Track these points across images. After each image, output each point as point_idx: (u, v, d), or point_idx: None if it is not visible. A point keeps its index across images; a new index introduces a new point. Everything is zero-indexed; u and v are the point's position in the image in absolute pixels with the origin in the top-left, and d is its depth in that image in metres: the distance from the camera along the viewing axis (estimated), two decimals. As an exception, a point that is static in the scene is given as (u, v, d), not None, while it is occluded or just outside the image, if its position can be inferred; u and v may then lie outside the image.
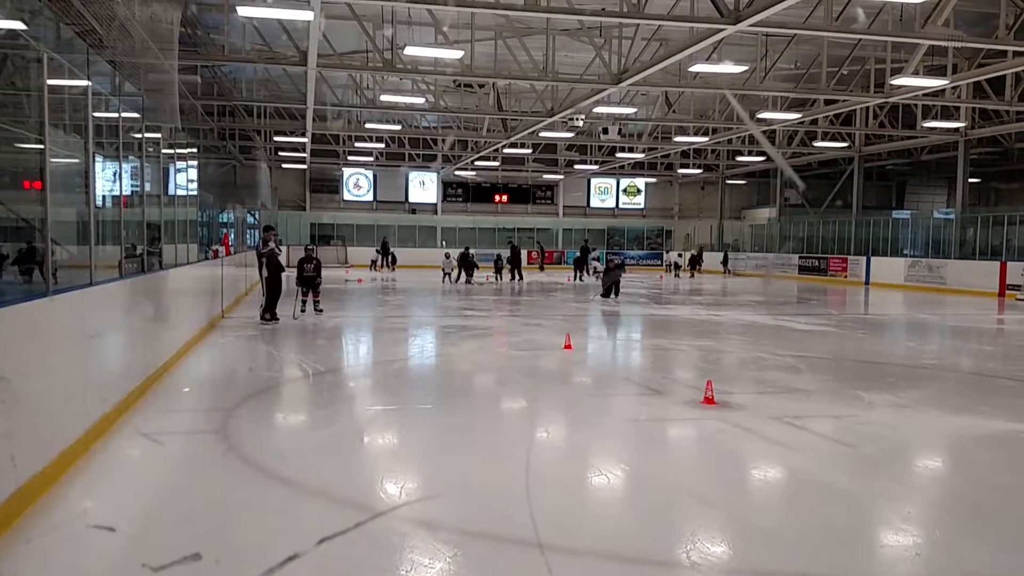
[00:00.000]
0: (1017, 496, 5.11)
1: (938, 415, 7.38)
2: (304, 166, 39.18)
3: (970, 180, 29.30)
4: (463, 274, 26.95)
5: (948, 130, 26.80)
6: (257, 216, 30.37)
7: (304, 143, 31.73)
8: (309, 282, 14.89)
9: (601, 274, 24.95)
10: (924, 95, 21.02)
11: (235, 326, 13.14)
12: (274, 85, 25.77)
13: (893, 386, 8.62)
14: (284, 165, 39.19)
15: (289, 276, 15.01)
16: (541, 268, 37.38)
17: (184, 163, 12.09)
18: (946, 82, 18.26)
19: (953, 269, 26.27)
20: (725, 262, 37.21)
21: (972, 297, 23.38)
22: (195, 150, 17.23)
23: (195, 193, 13.47)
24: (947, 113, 24.96)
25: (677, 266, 36.48)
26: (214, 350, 10.81)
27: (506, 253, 29.13)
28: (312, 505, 4.65)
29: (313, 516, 4.42)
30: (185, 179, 12.19)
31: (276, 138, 31.79)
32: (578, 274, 30.49)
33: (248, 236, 25.11)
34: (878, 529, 4.53)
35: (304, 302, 14.82)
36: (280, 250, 14.05)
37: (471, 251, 27.77)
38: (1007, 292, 23.49)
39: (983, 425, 6.91)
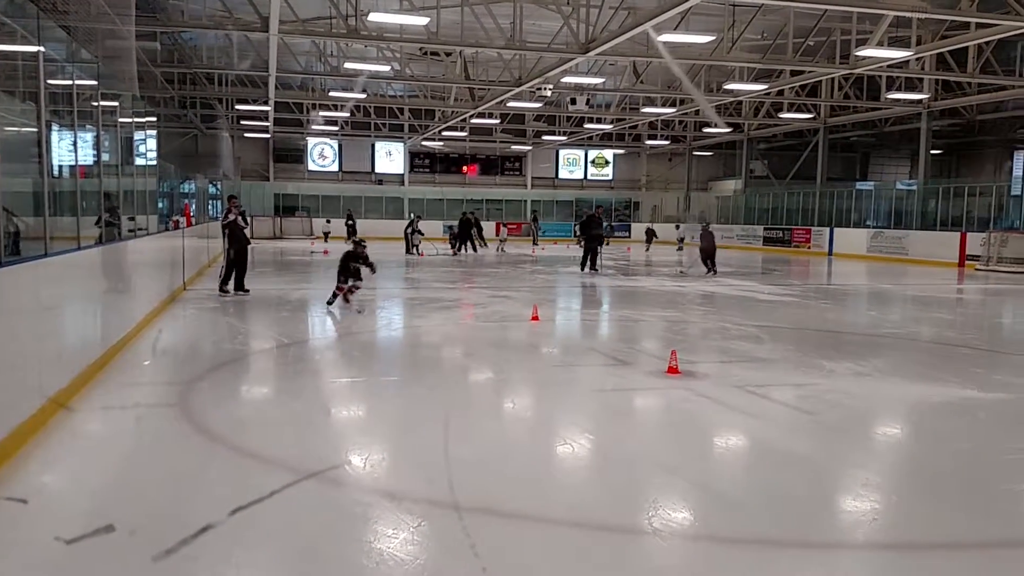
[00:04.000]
0: (972, 461, 5.22)
1: (897, 383, 7.51)
2: (267, 135, 38.57)
3: (932, 152, 29.74)
4: (466, 244, 27.23)
5: (911, 102, 27.08)
6: (219, 186, 29.88)
7: (267, 112, 31.20)
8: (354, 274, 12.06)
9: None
10: (888, 66, 21.17)
11: (197, 298, 12.95)
12: (236, 52, 25.22)
13: (854, 355, 8.76)
14: (247, 134, 38.51)
15: (254, 248, 14.66)
16: (535, 242, 36.78)
17: (143, 132, 11.83)
18: (910, 53, 18.39)
19: (915, 240, 26.70)
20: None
21: (933, 267, 23.80)
22: (154, 119, 16.86)
23: (155, 163, 13.20)
24: (911, 85, 25.21)
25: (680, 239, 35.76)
26: (176, 323, 10.65)
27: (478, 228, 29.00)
28: (266, 476, 4.61)
29: (257, 486, 4.38)
30: (144, 149, 11.93)
31: (238, 106, 31.18)
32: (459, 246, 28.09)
33: (210, 207, 24.71)
34: (837, 495, 4.60)
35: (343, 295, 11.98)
36: (245, 222, 13.67)
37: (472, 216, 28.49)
38: (967, 262, 23.94)
39: (941, 392, 7.05)
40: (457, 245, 28.01)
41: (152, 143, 13.26)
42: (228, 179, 35.47)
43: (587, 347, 9.68)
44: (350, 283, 11.84)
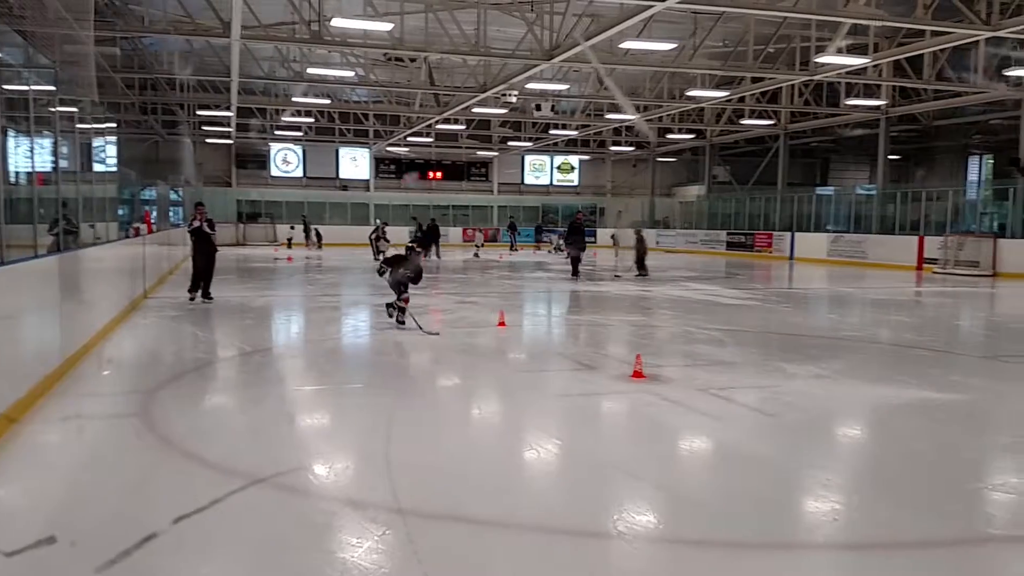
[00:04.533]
0: (930, 461, 5.32)
1: (857, 385, 7.64)
2: (230, 141, 38.18)
3: (890, 157, 30.30)
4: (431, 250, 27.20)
5: (870, 108, 27.60)
6: (181, 193, 29.50)
7: (229, 117, 30.89)
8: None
9: (562, 245, 24.79)
10: (847, 73, 21.58)
11: (159, 307, 12.77)
12: (197, 58, 24.95)
13: (815, 357, 8.89)
14: (209, 140, 38.10)
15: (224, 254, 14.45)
16: (512, 248, 36.49)
17: (103, 138, 11.65)
18: (868, 60, 18.78)
19: (874, 244, 27.18)
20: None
21: (892, 271, 24.24)
22: (115, 125, 16.60)
23: (115, 169, 13.00)
24: (869, 91, 25.69)
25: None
26: (136, 331, 10.49)
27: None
28: (225, 484, 4.55)
29: (215, 494, 4.34)
30: (104, 155, 11.75)
31: (200, 112, 30.83)
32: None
33: (172, 213, 24.40)
34: (799, 496, 4.67)
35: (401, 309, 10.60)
36: (212, 229, 13.45)
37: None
38: (924, 265, 24.42)
39: (900, 394, 7.17)
40: (427, 250, 28.02)
41: (112, 149, 13.06)
42: (190, 185, 35.04)
43: (553, 352, 9.71)
44: (407, 292, 10.49)
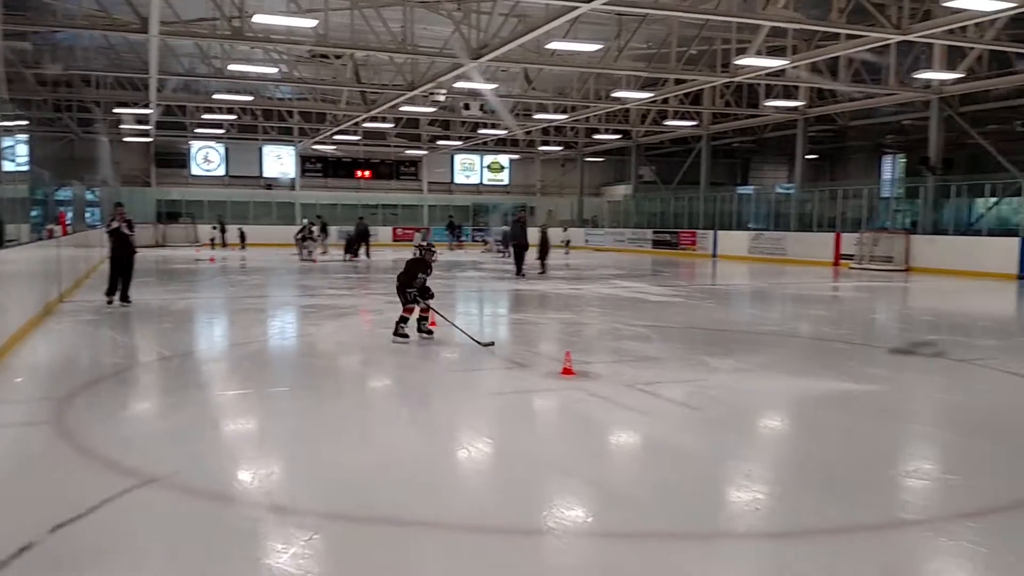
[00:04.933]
0: (847, 451, 5.51)
1: (778, 378, 7.87)
2: (149, 139, 37.05)
3: (808, 157, 31.28)
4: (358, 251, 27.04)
5: (788, 109, 28.44)
6: (97, 193, 28.49)
7: (148, 115, 29.97)
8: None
9: (500, 245, 24.88)
10: (766, 75, 22.18)
11: (75, 311, 12.31)
12: (114, 53, 24.12)
13: (737, 352, 9.12)
14: (127, 139, 36.88)
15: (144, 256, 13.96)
16: (452, 247, 36.19)
17: (12, 137, 11.17)
18: (786, 62, 19.33)
19: (792, 241, 28.05)
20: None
21: (810, 267, 25.04)
22: (26, 122, 15.94)
23: (26, 169, 12.48)
24: (787, 93, 26.47)
25: (566, 242, 36.56)
26: (51, 337, 10.09)
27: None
28: (145, 493, 4.42)
29: (135, 503, 4.22)
30: (15, 154, 11.27)
31: (117, 110, 29.82)
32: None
33: (88, 214, 23.54)
34: (722, 487, 4.78)
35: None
36: (131, 230, 12.99)
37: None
38: (841, 261, 25.31)
39: (818, 386, 7.42)
40: (355, 250, 27.74)
41: (23, 148, 12.54)
42: (107, 185, 33.87)
43: (484, 351, 9.71)
44: (424, 301, 9.51)
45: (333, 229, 34.63)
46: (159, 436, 5.73)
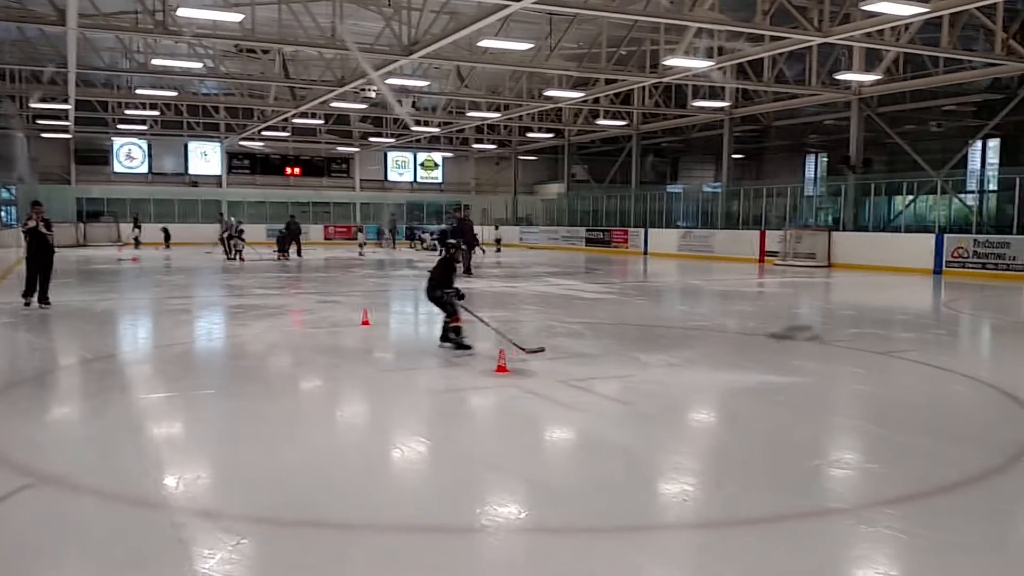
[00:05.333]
0: (774, 441, 5.66)
1: (706, 372, 8.04)
2: (68, 135, 35.71)
3: (734, 156, 32.02)
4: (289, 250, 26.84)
5: (715, 109, 29.03)
6: (12, 191, 27.33)
7: (67, 110, 28.89)
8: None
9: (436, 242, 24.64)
10: (694, 76, 22.59)
11: (-13, 313, 11.79)
12: (30, 46, 23.16)
13: (667, 347, 9.28)
14: (44, 135, 35.48)
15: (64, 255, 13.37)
16: (393, 246, 35.97)
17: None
18: (712, 63, 19.72)
19: (720, 238, 28.68)
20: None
21: (737, 263, 25.61)
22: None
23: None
24: (714, 93, 27.02)
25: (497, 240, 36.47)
26: (-39, 341, 9.65)
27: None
28: (66, 502, 4.27)
29: (55, 513, 4.07)
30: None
31: (34, 105, 28.64)
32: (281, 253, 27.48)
33: (3, 213, 22.57)
34: (653, 479, 4.85)
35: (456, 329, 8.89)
36: (49, 229, 12.47)
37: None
38: (766, 258, 25.96)
39: (744, 379, 7.60)
40: (286, 250, 27.31)
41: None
42: (24, 183, 32.54)
43: (419, 350, 9.64)
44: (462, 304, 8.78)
45: (262, 228, 34.02)
46: (79, 442, 5.54)
